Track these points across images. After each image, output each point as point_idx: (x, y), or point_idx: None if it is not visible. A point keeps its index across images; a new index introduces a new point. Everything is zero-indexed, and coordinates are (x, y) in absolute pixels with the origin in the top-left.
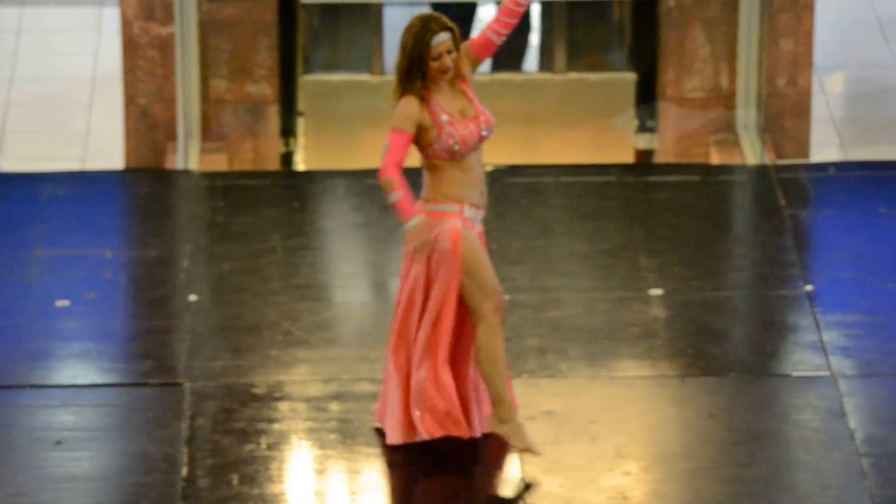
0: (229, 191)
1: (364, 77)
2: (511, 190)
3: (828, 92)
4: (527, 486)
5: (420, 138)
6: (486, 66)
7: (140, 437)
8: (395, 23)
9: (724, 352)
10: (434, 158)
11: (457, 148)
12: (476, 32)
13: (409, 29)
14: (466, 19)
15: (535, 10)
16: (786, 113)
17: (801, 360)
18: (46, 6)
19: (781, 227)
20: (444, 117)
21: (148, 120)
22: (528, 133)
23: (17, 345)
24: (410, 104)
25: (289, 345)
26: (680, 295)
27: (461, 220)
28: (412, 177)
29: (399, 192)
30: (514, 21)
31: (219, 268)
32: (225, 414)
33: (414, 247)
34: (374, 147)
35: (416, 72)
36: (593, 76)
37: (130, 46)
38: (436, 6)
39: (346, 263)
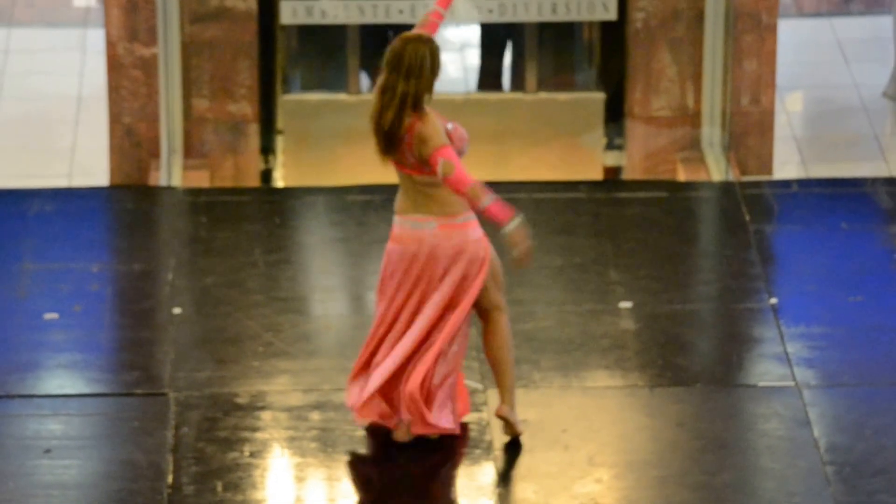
0: (211, 206)
1: (341, 96)
2: None
3: (790, 111)
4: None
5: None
6: (461, 86)
7: (127, 446)
8: (372, 43)
9: (692, 363)
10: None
11: (464, 151)
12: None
13: (434, 52)
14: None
15: (507, 32)
16: (749, 131)
17: (766, 371)
18: (33, 27)
19: (746, 241)
20: (450, 125)
21: (132, 138)
22: (501, 150)
23: (7, 356)
24: (437, 120)
25: (270, 356)
26: (649, 307)
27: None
28: (385, 193)
29: (491, 196)
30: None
31: (202, 281)
32: (209, 423)
33: (519, 249)
34: (352, 164)
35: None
36: (563, 96)
37: (115, 66)
38: (408, 27)
39: (326, 277)
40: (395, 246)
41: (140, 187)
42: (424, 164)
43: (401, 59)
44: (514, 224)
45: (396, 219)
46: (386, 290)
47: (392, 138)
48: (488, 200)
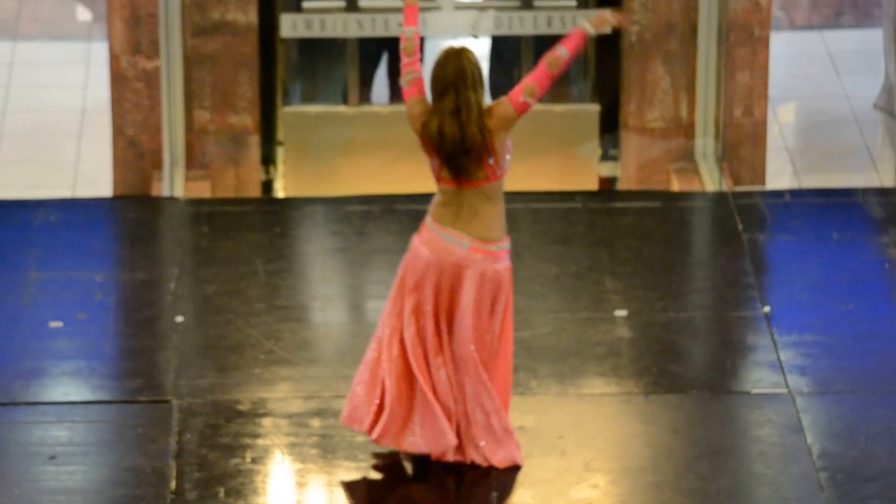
0: (213, 217)
1: (340, 108)
2: None
3: (782, 122)
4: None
5: (500, 152)
6: None
7: (131, 452)
8: (371, 56)
9: (686, 370)
10: (503, 175)
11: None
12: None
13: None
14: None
15: (504, 46)
16: (742, 142)
17: (759, 378)
18: (38, 41)
19: (740, 251)
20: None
21: (135, 149)
22: None
23: (13, 364)
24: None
25: (271, 363)
26: (644, 316)
27: None
28: (384, 203)
29: (562, 47)
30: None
31: (204, 290)
32: (211, 429)
33: (607, 20)
34: (351, 175)
35: None
36: (559, 107)
37: (118, 79)
38: (394, 41)
39: (326, 286)
40: (424, 249)
41: (143, 198)
42: (497, 164)
43: (464, 72)
44: (587, 25)
45: (432, 224)
46: (407, 293)
47: (478, 151)
48: (565, 51)
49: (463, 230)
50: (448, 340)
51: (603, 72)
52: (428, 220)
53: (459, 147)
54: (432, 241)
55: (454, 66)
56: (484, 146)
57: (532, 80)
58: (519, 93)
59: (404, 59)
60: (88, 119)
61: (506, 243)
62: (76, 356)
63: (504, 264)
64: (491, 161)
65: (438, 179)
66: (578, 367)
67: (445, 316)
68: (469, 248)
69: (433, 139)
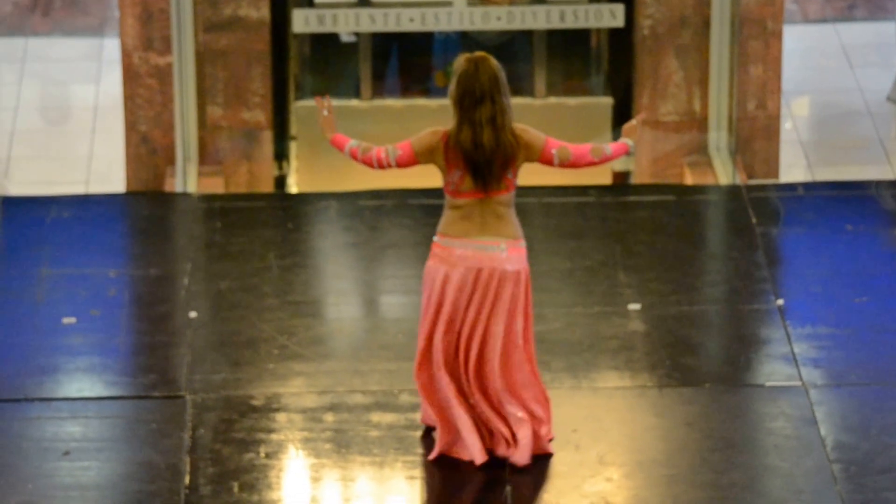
0: (226, 212)
1: (353, 103)
2: None
3: (795, 115)
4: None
5: (517, 171)
6: None
7: (145, 447)
8: (383, 51)
9: (700, 363)
10: (515, 187)
11: None
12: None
13: None
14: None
15: (517, 41)
16: (756, 135)
17: (773, 371)
18: (50, 37)
19: (753, 244)
20: None
21: (148, 145)
22: None
23: (27, 360)
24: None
25: (285, 358)
26: (657, 309)
27: None
28: (396, 198)
29: (607, 145)
30: None
31: (217, 285)
32: (225, 424)
33: (633, 128)
34: (364, 170)
35: None
36: (572, 101)
37: (131, 76)
38: (417, 35)
39: (339, 281)
40: (455, 269)
41: (156, 194)
42: (514, 178)
43: (497, 80)
44: (630, 141)
45: (456, 241)
46: (445, 312)
47: (510, 158)
48: (611, 149)
49: (495, 235)
50: (477, 344)
51: (616, 65)
52: (447, 240)
53: (494, 153)
54: (465, 256)
55: (487, 74)
56: (514, 154)
57: (572, 149)
58: (554, 146)
59: (372, 152)
60: (101, 115)
61: (524, 241)
62: (90, 352)
63: (525, 261)
64: (510, 175)
65: (456, 193)
66: (592, 361)
67: (476, 324)
68: (507, 251)
69: (465, 149)
